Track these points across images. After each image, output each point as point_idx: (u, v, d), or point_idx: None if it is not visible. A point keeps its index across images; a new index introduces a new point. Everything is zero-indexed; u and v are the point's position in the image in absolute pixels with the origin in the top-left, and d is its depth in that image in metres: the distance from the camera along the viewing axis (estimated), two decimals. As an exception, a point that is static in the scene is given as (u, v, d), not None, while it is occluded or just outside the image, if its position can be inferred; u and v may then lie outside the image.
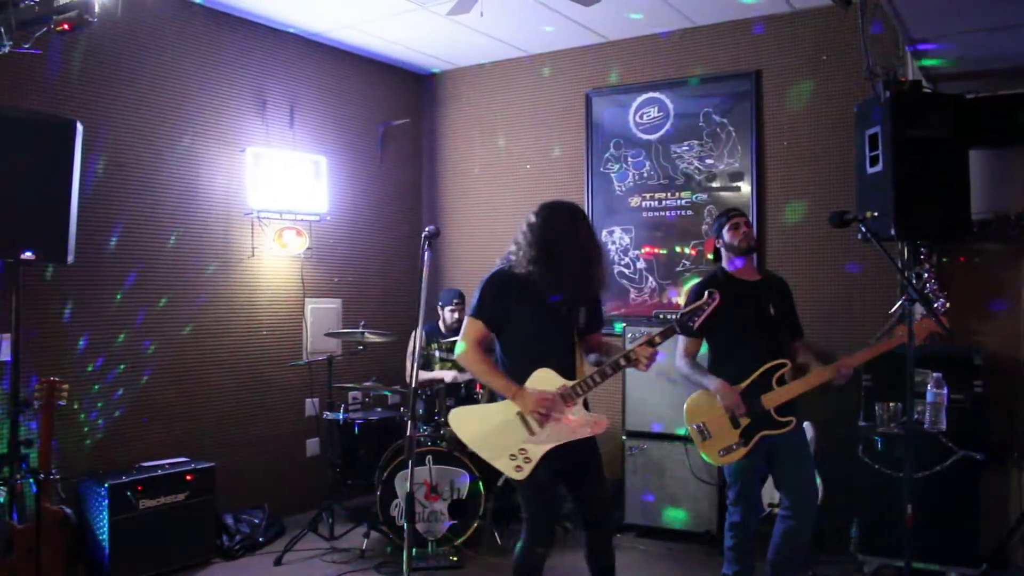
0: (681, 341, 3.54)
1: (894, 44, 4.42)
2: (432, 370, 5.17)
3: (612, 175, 5.61)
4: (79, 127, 3.84)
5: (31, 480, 3.74)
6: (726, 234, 3.58)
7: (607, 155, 5.62)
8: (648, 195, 5.49)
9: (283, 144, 5.35)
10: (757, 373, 3.40)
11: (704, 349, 3.60)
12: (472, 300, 3.07)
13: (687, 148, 5.33)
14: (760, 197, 5.06)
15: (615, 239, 5.59)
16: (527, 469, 2.93)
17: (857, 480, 4.16)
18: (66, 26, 3.54)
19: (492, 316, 3.02)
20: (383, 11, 5.01)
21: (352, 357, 5.10)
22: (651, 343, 2.93)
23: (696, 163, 5.31)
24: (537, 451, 2.94)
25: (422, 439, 4.54)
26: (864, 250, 4.58)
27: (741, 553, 3.49)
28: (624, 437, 4.86)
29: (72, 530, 3.82)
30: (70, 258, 3.82)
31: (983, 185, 4.19)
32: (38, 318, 4.07)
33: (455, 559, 4.36)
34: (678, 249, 5.39)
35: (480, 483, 4.40)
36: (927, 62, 3.96)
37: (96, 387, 4.35)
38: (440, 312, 5.27)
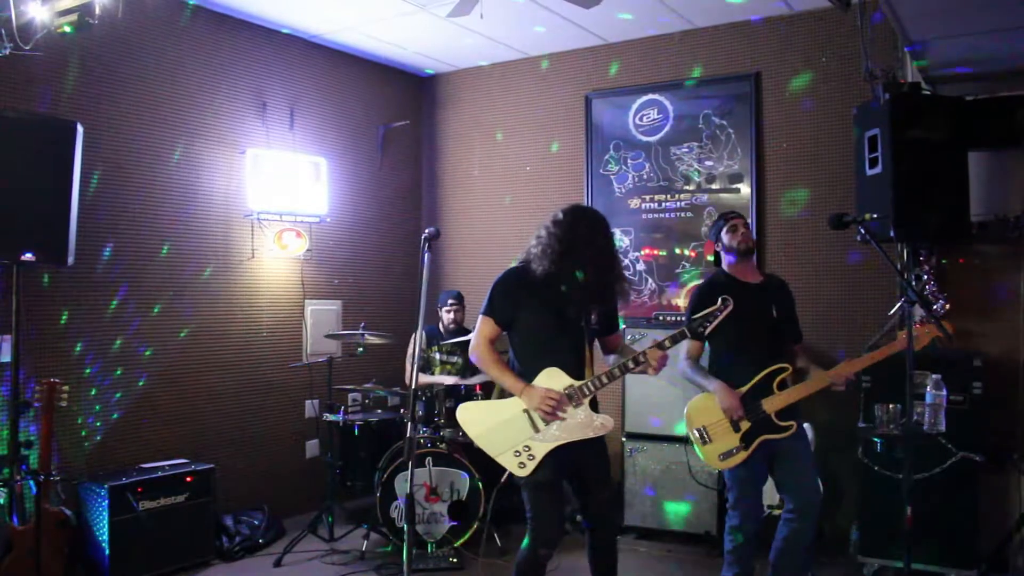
0: (684, 343, 3.54)
1: (893, 46, 4.42)
2: (432, 373, 5.17)
3: (612, 177, 5.61)
4: (79, 128, 3.84)
5: (31, 481, 3.75)
6: (724, 236, 3.59)
7: (607, 157, 5.62)
8: (648, 197, 5.49)
9: (283, 146, 5.35)
10: (759, 377, 3.40)
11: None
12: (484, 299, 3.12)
13: (687, 150, 5.34)
14: (760, 199, 5.07)
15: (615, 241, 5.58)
16: (531, 466, 2.94)
17: (857, 482, 4.17)
18: (67, 28, 3.55)
19: (502, 314, 3.07)
20: (383, 13, 5.01)
21: (352, 359, 5.10)
22: (661, 347, 2.98)
23: (696, 165, 5.31)
24: (542, 448, 2.95)
25: (422, 441, 4.54)
26: (864, 251, 4.59)
27: (741, 556, 3.48)
28: (624, 438, 4.86)
29: (72, 531, 3.83)
30: (70, 260, 3.82)
31: (982, 187, 4.19)
32: (37, 320, 4.07)
33: (455, 560, 4.37)
34: (677, 251, 5.39)
35: (480, 484, 4.41)
36: (923, 63, 3.96)
37: (95, 389, 4.34)
38: (439, 313, 5.28)
